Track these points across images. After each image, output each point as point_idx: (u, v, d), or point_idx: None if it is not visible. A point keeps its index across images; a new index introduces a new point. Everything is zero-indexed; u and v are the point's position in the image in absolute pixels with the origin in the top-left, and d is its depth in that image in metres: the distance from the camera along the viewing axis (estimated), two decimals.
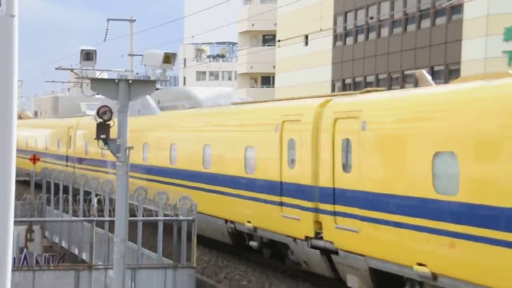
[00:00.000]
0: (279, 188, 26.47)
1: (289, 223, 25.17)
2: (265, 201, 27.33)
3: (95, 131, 35.71)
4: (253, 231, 28.16)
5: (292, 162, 26.58)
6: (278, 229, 26.08)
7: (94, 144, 37.96)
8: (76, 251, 24.86)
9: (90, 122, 38.82)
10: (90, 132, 34.00)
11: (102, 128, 14.57)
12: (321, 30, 63.28)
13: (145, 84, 15.16)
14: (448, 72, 50.97)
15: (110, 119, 14.71)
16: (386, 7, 57.98)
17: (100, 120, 14.71)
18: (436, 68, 52.37)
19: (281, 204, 26.05)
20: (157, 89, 43.14)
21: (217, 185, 31.44)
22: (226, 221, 30.80)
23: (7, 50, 10.78)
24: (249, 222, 27.98)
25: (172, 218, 21.29)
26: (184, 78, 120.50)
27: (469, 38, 49.76)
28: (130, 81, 14.62)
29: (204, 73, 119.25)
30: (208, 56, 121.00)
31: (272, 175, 27.44)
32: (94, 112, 40.05)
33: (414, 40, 55.13)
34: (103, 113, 14.61)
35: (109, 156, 37.01)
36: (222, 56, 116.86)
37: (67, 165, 51.43)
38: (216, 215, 30.82)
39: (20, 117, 70.28)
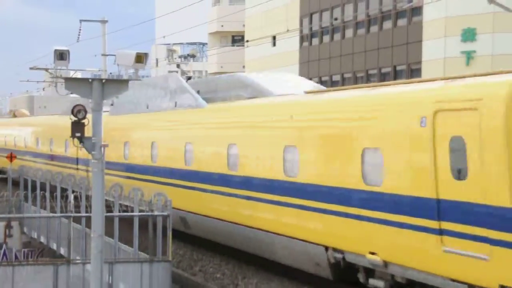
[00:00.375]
0: (436, 209, 18.27)
1: (460, 262, 17.48)
2: (406, 226, 19.56)
3: (115, 130, 34.14)
4: (380, 266, 20.77)
5: (459, 171, 18.16)
6: (434, 269, 18.49)
7: (116, 146, 36.41)
8: (54, 246, 24.80)
9: (108, 119, 33.53)
10: (109, 131, 31.93)
11: (77, 127, 14.47)
12: (288, 31, 63.37)
13: (119, 83, 15.08)
14: (410, 71, 51.23)
15: (84, 117, 14.64)
16: (350, 9, 58.27)
17: (74, 118, 14.46)
18: (398, 68, 52.93)
19: (440, 232, 18.36)
20: (188, 78, 42.95)
21: (315, 200, 22.15)
22: (327, 248, 22.23)
23: None
24: (373, 253, 20.34)
25: (148, 213, 21.25)
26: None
27: (429, 39, 50.10)
28: (103, 80, 14.61)
29: (175, 72, 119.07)
30: (179, 56, 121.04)
31: (417, 188, 19.19)
32: (108, 108, 38.78)
33: (377, 40, 55.44)
34: (78, 111, 14.55)
35: (136, 158, 36.18)
36: (193, 56, 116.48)
37: (77, 169, 43.92)
38: (311, 239, 22.04)
39: (14, 116, 68.51)
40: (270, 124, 26.49)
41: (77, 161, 45.37)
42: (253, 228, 24.07)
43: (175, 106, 33.30)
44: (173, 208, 22.68)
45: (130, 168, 36.76)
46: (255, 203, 24.67)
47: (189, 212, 30.39)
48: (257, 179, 24.83)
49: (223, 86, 33.65)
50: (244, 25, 73.98)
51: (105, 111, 34.75)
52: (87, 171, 41.07)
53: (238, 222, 25.03)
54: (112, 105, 42.64)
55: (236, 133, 29.06)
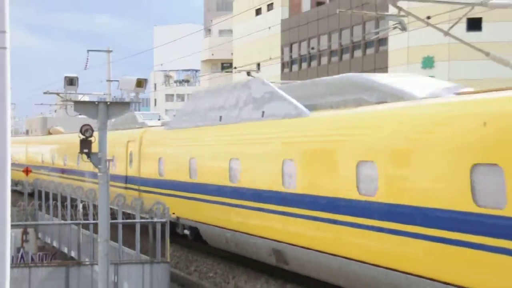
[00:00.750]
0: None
1: None
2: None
3: (176, 146, 30.32)
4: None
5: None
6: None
7: (178, 163, 29.20)
8: (65, 250, 24.63)
9: (166, 134, 30.28)
10: (168, 147, 29.29)
11: (85, 144, 14.57)
12: (270, 58, 63.59)
13: (121, 105, 15.15)
14: None
15: (91, 135, 14.72)
16: (325, 40, 58.27)
17: (83, 136, 14.63)
18: None
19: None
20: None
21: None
22: None
23: (1, 77, 10.54)
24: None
25: (148, 220, 21.20)
26: (155, 100, 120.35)
27: (393, 66, 49.97)
28: (108, 103, 14.64)
29: (172, 95, 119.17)
30: (175, 81, 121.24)
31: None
32: (155, 123, 34.99)
33: (349, 67, 55.31)
34: (85, 130, 14.65)
35: (207, 177, 26.79)
36: (187, 81, 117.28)
37: (126, 187, 33.56)
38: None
39: (49, 133, 66.15)
40: (449, 135, 16.45)
41: (126, 179, 37.58)
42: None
43: (262, 116, 24.23)
44: (264, 238, 21.74)
45: (199, 189, 27.45)
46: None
47: (288, 244, 22.15)
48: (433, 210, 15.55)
49: (329, 90, 24.23)
50: (232, 54, 73.91)
51: (157, 126, 34.39)
52: (139, 190, 33.44)
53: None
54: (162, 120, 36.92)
55: (377, 147, 19.49)
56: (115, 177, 31.89)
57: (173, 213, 26.04)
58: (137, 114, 39.19)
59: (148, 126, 34.68)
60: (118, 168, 34.27)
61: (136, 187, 31.88)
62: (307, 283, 21.48)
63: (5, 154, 10.76)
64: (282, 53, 63.64)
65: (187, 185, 27.69)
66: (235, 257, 25.00)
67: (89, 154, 14.52)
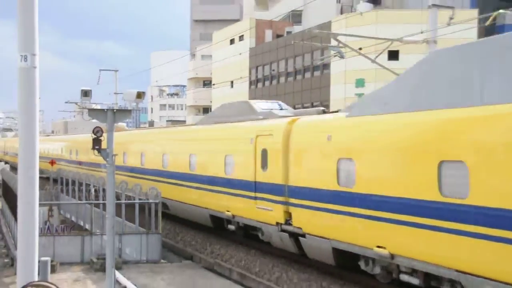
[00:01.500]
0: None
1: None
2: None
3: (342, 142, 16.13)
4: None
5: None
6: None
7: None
8: (81, 223, 24.45)
9: (351, 122, 16.13)
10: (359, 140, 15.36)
11: (96, 142, 14.45)
12: (241, 78, 63.70)
13: (125, 112, 14.92)
14: (322, 106, 50.74)
15: (101, 135, 14.57)
16: (283, 64, 58.19)
17: (94, 136, 14.63)
18: (315, 104, 51.97)
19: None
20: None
21: None
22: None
23: (32, 91, 10.95)
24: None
25: (144, 201, 21.01)
26: (152, 108, 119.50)
27: (334, 85, 49.85)
28: (114, 110, 14.55)
29: (164, 105, 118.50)
30: (167, 94, 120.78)
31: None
32: (286, 112, 22.39)
33: (301, 85, 55.38)
34: (97, 131, 14.51)
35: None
36: (176, 94, 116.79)
37: (255, 197, 20.15)
38: None
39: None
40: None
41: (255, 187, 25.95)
42: None
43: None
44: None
45: None
46: None
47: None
48: None
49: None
50: (211, 73, 73.71)
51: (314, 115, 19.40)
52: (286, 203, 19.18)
53: None
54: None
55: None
56: (233, 182, 22.21)
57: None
58: (252, 102, 25.28)
59: (280, 116, 21.38)
60: (238, 172, 21.63)
61: (277, 198, 18.88)
62: (267, 248, 21.11)
63: (34, 149, 11.01)
64: (250, 73, 63.48)
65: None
66: (211, 231, 24.78)
67: (99, 150, 14.51)
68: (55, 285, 5.70)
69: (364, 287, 16.02)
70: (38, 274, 10.31)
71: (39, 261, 10.16)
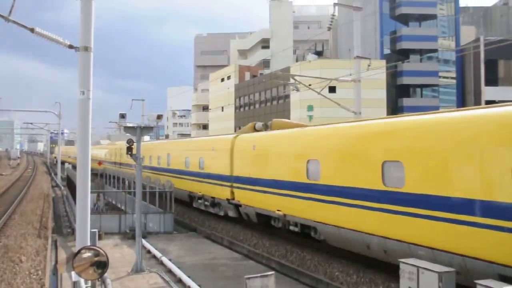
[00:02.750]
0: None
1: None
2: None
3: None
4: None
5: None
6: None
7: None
8: (119, 205, 24.30)
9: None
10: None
11: (129, 149, 14.41)
12: (229, 104, 63.76)
13: (148, 128, 14.91)
14: None
15: (132, 144, 14.56)
16: (258, 95, 58.15)
17: (127, 145, 14.57)
18: None
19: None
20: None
21: None
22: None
23: (87, 115, 10.81)
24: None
25: (162, 190, 21.04)
26: (167, 126, 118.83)
27: (293, 109, 49.47)
28: (141, 127, 14.60)
29: (176, 123, 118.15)
30: (178, 116, 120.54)
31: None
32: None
33: (270, 109, 55.56)
34: (129, 141, 14.53)
35: None
36: (184, 116, 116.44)
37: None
38: None
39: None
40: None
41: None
42: None
43: None
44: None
45: None
46: None
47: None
48: None
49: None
50: (208, 101, 73.77)
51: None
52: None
53: None
54: None
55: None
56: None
57: None
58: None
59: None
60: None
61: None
62: (248, 227, 20.89)
63: (87, 154, 11.02)
64: (235, 101, 63.43)
65: None
66: (210, 213, 24.33)
67: (131, 155, 14.51)
68: (101, 248, 5.63)
69: (317, 250, 16.01)
70: (90, 241, 10.21)
71: (90, 232, 10.06)
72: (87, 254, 5.47)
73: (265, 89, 55.09)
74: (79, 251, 5.59)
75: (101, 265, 5.51)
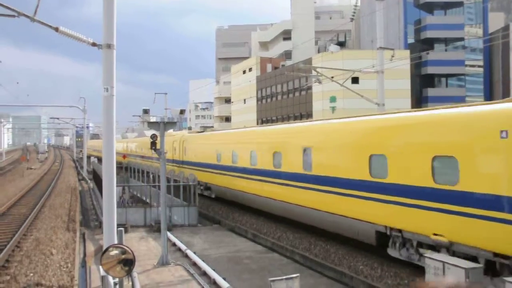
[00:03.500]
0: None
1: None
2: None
3: None
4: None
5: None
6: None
7: None
8: (144, 198, 24.44)
9: None
10: None
11: (153, 143, 14.49)
12: (250, 97, 63.75)
13: (171, 123, 14.86)
14: (307, 116, 50.69)
15: (156, 139, 14.59)
16: (279, 87, 57.98)
17: (151, 140, 14.66)
18: (303, 114, 52.55)
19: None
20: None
21: None
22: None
23: (111, 111, 10.99)
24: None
25: (187, 183, 21.12)
26: (190, 118, 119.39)
27: (315, 101, 49.40)
28: (165, 122, 14.62)
29: (199, 116, 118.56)
30: (201, 108, 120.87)
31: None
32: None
33: (292, 101, 55.35)
34: (153, 136, 14.60)
35: None
36: (207, 108, 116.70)
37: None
38: None
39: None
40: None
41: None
42: None
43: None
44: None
45: None
46: None
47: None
48: None
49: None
50: (230, 94, 73.91)
51: None
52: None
53: None
54: None
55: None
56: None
57: None
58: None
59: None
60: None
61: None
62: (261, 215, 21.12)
63: (112, 148, 11.16)
64: (257, 94, 63.46)
65: None
66: (232, 204, 24.55)
67: (155, 149, 14.57)
68: (128, 247, 5.72)
69: (342, 243, 15.98)
70: (117, 238, 10.33)
71: (117, 230, 10.17)
72: (114, 252, 5.57)
73: (287, 81, 54.95)
74: (106, 249, 5.70)
75: (128, 263, 5.60)
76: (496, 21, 52.73)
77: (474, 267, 8.44)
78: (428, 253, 9.47)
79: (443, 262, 8.75)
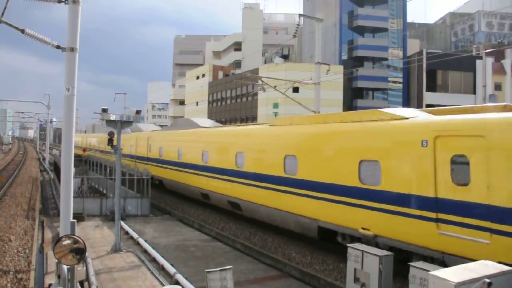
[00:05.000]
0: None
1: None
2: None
3: None
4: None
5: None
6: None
7: None
8: (101, 190, 23.88)
9: None
10: None
11: (110, 140, 14.17)
12: (202, 100, 63.21)
13: (128, 122, 14.58)
14: (252, 119, 50.72)
15: (113, 136, 14.23)
16: (229, 92, 57.76)
17: (109, 137, 14.28)
18: (249, 117, 52.53)
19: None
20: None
21: None
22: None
23: (71, 109, 10.59)
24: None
25: (140, 177, 20.70)
26: (147, 118, 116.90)
27: (260, 106, 49.35)
28: (122, 121, 14.29)
29: (155, 115, 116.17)
30: (157, 108, 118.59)
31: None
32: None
33: (240, 105, 55.36)
34: (110, 133, 14.24)
35: None
36: (163, 109, 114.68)
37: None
38: None
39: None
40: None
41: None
42: None
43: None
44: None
45: None
46: None
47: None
48: None
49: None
50: (185, 96, 72.97)
51: None
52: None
53: None
54: None
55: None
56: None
57: None
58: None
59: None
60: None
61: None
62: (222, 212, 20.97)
63: (71, 142, 10.83)
64: (208, 97, 63.04)
65: None
66: (181, 196, 24.39)
67: (112, 145, 14.24)
68: (80, 237, 5.53)
69: (278, 233, 16.09)
70: (70, 229, 9.97)
71: (70, 222, 9.80)
72: (66, 242, 5.37)
73: (236, 87, 54.88)
74: (59, 239, 5.48)
75: (80, 251, 5.41)
76: (413, 46, 55.22)
77: (386, 255, 8.74)
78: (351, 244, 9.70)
79: (362, 251, 9.01)
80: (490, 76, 48.77)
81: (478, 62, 49.12)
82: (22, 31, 10.30)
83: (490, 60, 49.00)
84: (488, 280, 3.91)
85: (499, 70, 49.34)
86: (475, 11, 61.96)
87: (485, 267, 5.34)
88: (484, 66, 48.76)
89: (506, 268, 5.32)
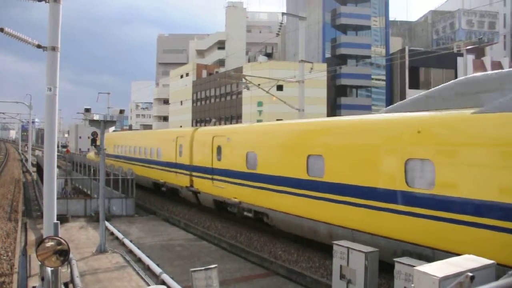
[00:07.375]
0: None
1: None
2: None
3: None
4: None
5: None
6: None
7: None
8: (85, 190, 23.64)
9: None
10: None
11: (94, 140, 14.04)
12: (187, 99, 62.88)
13: (111, 122, 14.37)
14: (237, 118, 50.75)
15: (97, 137, 14.09)
16: (213, 91, 57.60)
17: (92, 137, 14.14)
18: (233, 116, 52.54)
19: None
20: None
21: None
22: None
23: (53, 109, 10.43)
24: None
25: (125, 177, 20.59)
26: (131, 117, 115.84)
27: (244, 104, 49.22)
28: (105, 121, 14.16)
29: (139, 115, 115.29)
30: (141, 108, 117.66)
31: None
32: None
33: (224, 104, 55.22)
34: (93, 134, 14.10)
35: None
36: (146, 108, 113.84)
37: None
38: None
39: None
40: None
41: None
42: None
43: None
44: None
45: None
46: None
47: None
48: None
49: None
50: (169, 96, 72.55)
51: None
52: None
53: None
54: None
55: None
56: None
57: None
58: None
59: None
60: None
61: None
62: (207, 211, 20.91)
63: (54, 143, 10.72)
64: (193, 96, 62.78)
65: None
66: (166, 197, 24.26)
67: (95, 145, 14.10)
68: (63, 239, 5.45)
69: (264, 232, 16.11)
70: (53, 230, 9.84)
71: (53, 223, 9.67)
72: (50, 244, 5.28)
73: (220, 85, 54.74)
74: (42, 241, 5.39)
75: (63, 253, 5.33)
76: (396, 44, 55.71)
77: (372, 251, 8.81)
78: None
79: (348, 248, 9.05)
80: (471, 73, 49.54)
81: (459, 59, 49.90)
82: (2, 30, 10.08)
83: (470, 58, 49.82)
84: (470, 274, 4.00)
85: (479, 67, 50.21)
86: (456, 9, 62.79)
87: (468, 261, 5.47)
88: (465, 63, 49.56)
89: (489, 261, 5.44)
